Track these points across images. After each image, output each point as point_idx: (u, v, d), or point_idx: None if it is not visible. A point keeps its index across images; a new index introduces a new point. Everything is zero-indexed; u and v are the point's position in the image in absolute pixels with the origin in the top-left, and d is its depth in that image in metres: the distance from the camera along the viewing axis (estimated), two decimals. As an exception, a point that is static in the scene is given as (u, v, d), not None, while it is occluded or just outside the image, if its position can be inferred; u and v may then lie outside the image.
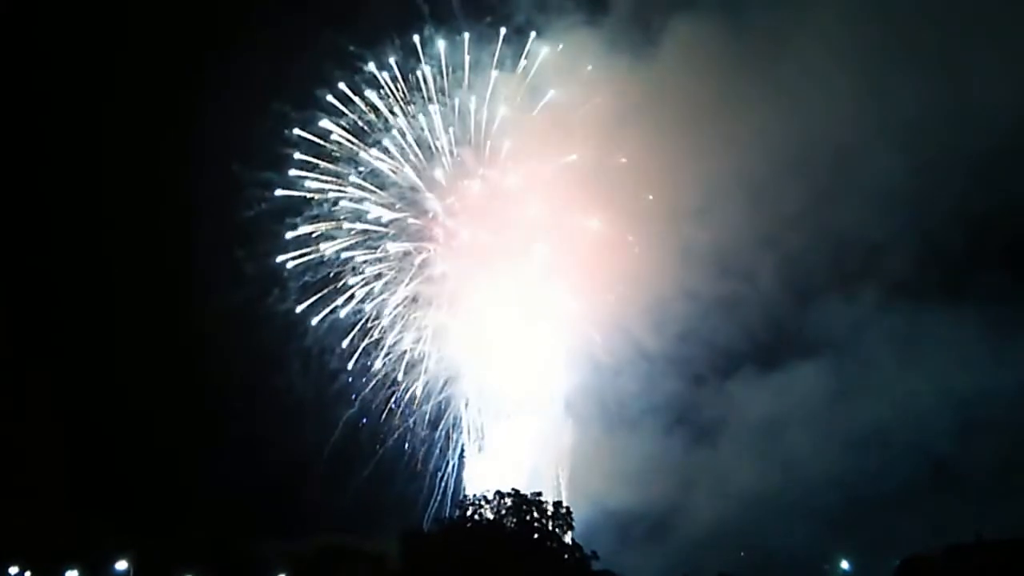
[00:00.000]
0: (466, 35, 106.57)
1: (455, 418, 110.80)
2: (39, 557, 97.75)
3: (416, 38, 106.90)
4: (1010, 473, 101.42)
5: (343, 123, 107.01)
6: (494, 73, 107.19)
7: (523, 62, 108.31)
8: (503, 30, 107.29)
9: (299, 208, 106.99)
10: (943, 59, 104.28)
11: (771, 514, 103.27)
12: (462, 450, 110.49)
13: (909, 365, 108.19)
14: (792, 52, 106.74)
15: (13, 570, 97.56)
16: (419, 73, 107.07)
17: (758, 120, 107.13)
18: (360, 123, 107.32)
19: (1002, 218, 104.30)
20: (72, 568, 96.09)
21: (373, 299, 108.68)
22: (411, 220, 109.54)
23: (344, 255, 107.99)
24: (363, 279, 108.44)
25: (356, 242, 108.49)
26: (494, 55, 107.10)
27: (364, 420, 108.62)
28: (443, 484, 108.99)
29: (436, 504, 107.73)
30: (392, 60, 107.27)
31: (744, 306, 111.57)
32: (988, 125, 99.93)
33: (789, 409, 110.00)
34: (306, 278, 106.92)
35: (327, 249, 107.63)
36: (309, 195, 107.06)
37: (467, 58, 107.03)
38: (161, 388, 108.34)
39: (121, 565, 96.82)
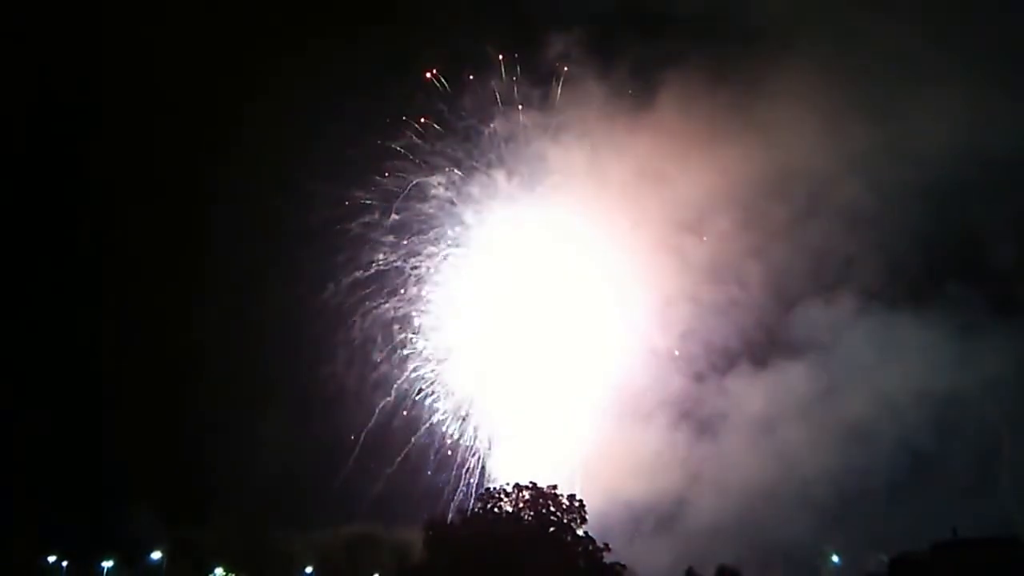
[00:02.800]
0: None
1: (482, 412, 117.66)
2: (75, 547, 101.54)
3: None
4: (983, 467, 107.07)
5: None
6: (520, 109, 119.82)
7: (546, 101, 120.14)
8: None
9: (352, 214, 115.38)
10: (900, 101, 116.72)
11: (769, 507, 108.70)
12: (487, 443, 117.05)
13: (885, 365, 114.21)
14: (769, 96, 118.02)
15: (51, 559, 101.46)
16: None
17: (742, 152, 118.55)
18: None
19: (957, 236, 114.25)
20: (108, 558, 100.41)
21: (413, 296, 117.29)
22: (448, 229, 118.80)
23: (390, 256, 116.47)
24: (405, 279, 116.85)
25: (401, 246, 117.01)
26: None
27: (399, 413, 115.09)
28: (468, 476, 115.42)
29: (460, 495, 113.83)
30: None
31: (737, 309, 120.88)
32: (940, 157, 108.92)
33: (781, 405, 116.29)
34: (356, 275, 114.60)
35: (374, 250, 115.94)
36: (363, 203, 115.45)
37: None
38: (194, 380, 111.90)
39: (155, 555, 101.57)
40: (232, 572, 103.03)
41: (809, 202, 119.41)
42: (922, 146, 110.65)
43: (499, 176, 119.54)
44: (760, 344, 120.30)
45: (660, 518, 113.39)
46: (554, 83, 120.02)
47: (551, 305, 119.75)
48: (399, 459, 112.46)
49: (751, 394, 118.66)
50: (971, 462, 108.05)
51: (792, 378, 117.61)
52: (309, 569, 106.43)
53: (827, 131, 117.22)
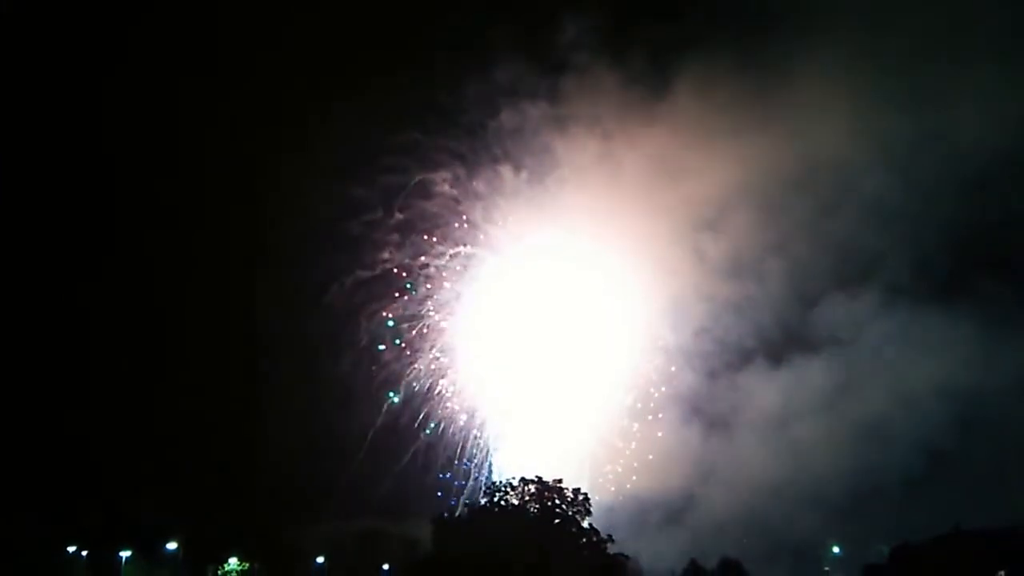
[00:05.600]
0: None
1: (490, 408, 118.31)
2: (95, 538, 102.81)
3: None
4: (1001, 464, 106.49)
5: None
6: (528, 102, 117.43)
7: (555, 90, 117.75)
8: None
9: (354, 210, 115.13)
10: (934, 90, 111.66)
11: (777, 501, 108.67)
12: (495, 439, 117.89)
13: (908, 363, 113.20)
14: (796, 83, 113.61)
15: (71, 549, 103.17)
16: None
17: (766, 142, 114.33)
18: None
19: (989, 230, 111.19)
20: (126, 548, 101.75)
21: (421, 295, 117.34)
22: (456, 226, 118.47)
23: (396, 255, 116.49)
24: (413, 276, 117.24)
25: (407, 245, 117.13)
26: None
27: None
28: (475, 471, 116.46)
29: (468, 490, 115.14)
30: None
31: (754, 307, 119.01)
32: (972, 149, 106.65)
33: (796, 403, 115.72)
34: (361, 274, 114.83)
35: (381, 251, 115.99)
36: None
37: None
38: (213, 377, 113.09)
39: (171, 546, 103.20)
40: (246, 563, 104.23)
41: (835, 195, 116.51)
42: (957, 136, 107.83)
43: (506, 171, 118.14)
44: (777, 341, 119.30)
45: (667, 512, 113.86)
46: (563, 70, 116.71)
47: (561, 302, 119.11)
48: (408, 455, 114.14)
49: (765, 391, 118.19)
50: (989, 459, 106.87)
51: (809, 375, 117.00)
52: (320, 560, 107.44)
53: (857, 120, 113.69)
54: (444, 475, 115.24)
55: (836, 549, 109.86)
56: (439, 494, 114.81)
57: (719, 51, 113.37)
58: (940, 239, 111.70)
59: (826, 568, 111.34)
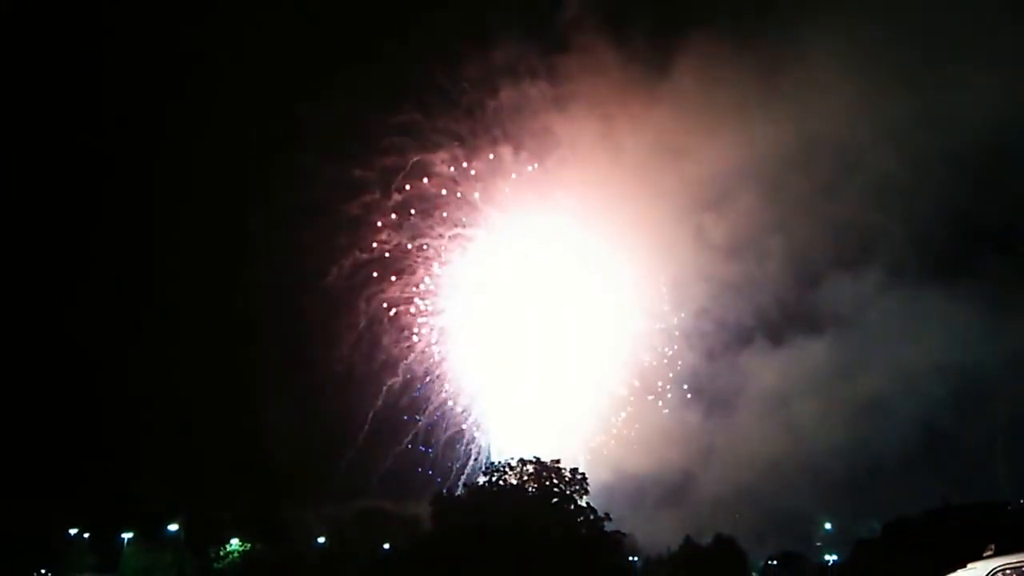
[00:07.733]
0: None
1: (489, 390, 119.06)
2: (97, 520, 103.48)
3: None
4: (996, 441, 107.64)
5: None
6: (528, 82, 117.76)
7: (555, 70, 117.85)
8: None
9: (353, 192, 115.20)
10: (932, 68, 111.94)
11: (774, 479, 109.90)
12: (494, 419, 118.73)
13: (907, 341, 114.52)
14: (797, 62, 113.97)
15: (73, 531, 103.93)
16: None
17: (768, 122, 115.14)
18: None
19: (988, 207, 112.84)
20: (128, 530, 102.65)
21: (419, 277, 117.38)
22: (455, 207, 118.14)
23: (394, 237, 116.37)
24: (411, 258, 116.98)
25: (405, 227, 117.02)
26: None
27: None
28: (475, 451, 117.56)
29: (467, 470, 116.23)
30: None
31: (755, 286, 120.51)
32: (973, 125, 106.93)
33: (795, 382, 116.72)
34: (361, 255, 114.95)
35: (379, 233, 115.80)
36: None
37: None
38: (213, 359, 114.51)
39: (173, 527, 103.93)
40: (247, 543, 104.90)
41: (837, 174, 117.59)
42: (960, 114, 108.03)
43: (505, 151, 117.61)
44: (777, 321, 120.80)
45: (664, 491, 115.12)
46: (564, 49, 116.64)
47: (560, 284, 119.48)
48: (408, 436, 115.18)
49: (765, 371, 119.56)
50: (985, 437, 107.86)
51: (809, 354, 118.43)
52: (322, 539, 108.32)
53: (860, 98, 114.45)
54: (443, 456, 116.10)
55: (828, 525, 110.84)
56: (438, 474, 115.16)
57: (720, 30, 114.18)
58: (941, 218, 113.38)
59: (818, 544, 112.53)
